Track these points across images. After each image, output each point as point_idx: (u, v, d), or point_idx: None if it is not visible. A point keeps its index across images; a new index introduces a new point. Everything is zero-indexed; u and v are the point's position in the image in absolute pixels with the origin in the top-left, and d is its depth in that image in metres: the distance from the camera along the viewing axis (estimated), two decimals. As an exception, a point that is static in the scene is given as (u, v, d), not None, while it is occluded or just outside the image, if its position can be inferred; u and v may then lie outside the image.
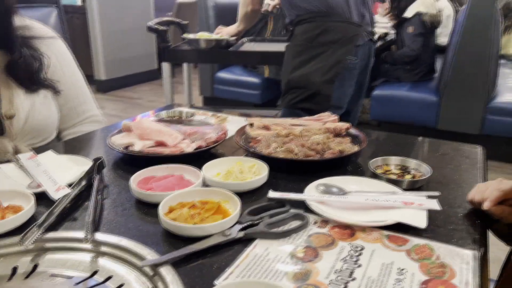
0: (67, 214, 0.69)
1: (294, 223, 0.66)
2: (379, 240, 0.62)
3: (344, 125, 1.03)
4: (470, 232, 0.66)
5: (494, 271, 0.74)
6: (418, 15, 3.08)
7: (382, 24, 4.40)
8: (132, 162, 0.90)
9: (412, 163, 0.86)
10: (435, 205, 0.69)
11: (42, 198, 0.71)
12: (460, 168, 0.91)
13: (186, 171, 0.81)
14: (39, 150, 0.91)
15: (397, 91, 3.15)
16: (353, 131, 1.02)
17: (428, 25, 3.07)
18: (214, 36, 1.85)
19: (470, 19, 2.75)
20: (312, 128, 1.01)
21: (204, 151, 0.93)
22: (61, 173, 0.79)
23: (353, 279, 0.54)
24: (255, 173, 0.82)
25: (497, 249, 0.79)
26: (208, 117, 1.25)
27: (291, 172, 0.86)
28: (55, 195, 0.70)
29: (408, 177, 0.82)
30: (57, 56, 1.13)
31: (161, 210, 0.65)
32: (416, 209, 0.68)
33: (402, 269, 0.56)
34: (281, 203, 0.71)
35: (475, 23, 2.74)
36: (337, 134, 1.01)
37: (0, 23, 0.97)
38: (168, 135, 0.94)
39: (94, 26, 4.51)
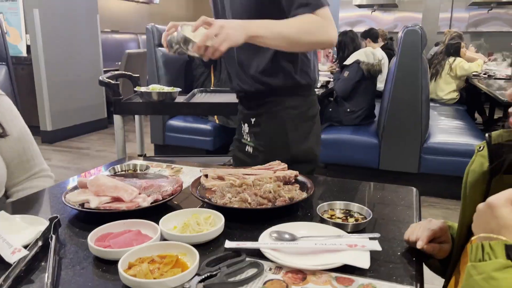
0: (24, 277, 0.69)
1: (251, 271, 0.70)
2: (328, 282, 0.68)
3: (292, 173, 1.11)
4: (407, 269, 0.74)
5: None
6: (356, 62, 3.37)
7: (323, 72, 4.71)
8: (89, 219, 0.91)
9: (355, 206, 0.94)
10: (376, 246, 0.77)
11: (-4, 262, 0.70)
12: (397, 209, 1.00)
13: (143, 225, 0.84)
14: (-11, 211, 0.89)
15: (341, 134, 3.35)
16: (301, 178, 1.10)
17: (364, 73, 3.35)
18: (166, 88, 1.91)
19: (401, 68, 3.04)
20: (264, 177, 1.07)
21: (160, 204, 0.95)
22: (15, 235, 0.78)
23: (306, 321, 0.58)
24: (211, 224, 0.86)
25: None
26: (162, 169, 1.28)
27: (246, 220, 0.91)
28: (10, 258, 0.70)
29: (351, 220, 0.90)
30: (3, 112, 1.13)
31: (121, 267, 0.67)
32: (360, 250, 0.75)
33: (350, 308, 0.61)
34: (237, 252, 0.75)
35: (405, 72, 3.03)
36: (287, 182, 1.08)
37: None
38: (123, 191, 0.96)
39: (40, 76, 4.44)
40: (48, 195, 1.10)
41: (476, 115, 5.12)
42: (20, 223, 0.85)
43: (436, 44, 5.43)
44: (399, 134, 3.14)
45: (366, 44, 5.07)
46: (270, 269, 0.71)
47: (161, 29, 3.54)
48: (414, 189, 1.13)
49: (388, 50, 5.00)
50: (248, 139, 1.39)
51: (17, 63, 4.50)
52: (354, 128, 3.40)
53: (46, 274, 0.66)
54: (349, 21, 7.67)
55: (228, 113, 2.81)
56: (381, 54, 4.81)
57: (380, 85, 4.52)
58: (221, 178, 1.10)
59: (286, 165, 1.17)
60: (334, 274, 0.70)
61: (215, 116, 3.64)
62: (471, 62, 4.50)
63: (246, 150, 1.40)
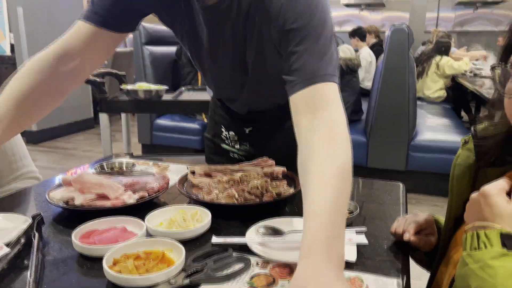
0: (5, 275, 0.67)
1: (238, 266, 0.69)
2: (315, 275, 0.68)
3: (280, 169, 1.10)
4: (394, 262, 0.74)
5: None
6: None
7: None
8: (73, 217, 0.90)
9: (342, 202, 0.94)
10: (363, 239, 0.77)
11: (-24, 261, 0.69)
12: (384, 204, 1.01)
13: (128, 222, 0.83)
14: (-30, 210, 0.87)
15: (330, 133, 3.36)
16: (288, 174, 1.10)
17: (343, 68, 3.39)
18: (153, 86, 1.90)
19: (388, 67, 3.06)
20: (251, 173, 1.07)
21: (146, 201, 0.94)
22: (-3, 233, 0.77)
23: (293, 314, 0.58)
24: (198, 220, 0.85)
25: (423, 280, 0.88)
26: (149, 167, 1.27)
27: (233, 216, 0.90)
28: (-9, 256, 0.68)
29: (339, 215, 0.90)
30: None
31: (106, 263, 0.66)
32: (346, 244, 0.75)
33: (337, 301, 0.61)
34: (224, 247, 0.75)
35: (392, 70, 3.05)
36: (274, 177, 1.08)
37: None
38: (109, 188, 0.95)
39: (25, 75, 4.36)
40: (32, 193, 1.08)
41: (463, 113, 5.18)
42: (2, 221, 0.83)
43: (423, 43, 5.49)
44: (387, 132, 3.16)
45: (355, 43, 5.11)
46: (257, 264, 0.71)
47: (148, 28, 3.51)
48: (401, 184, 1.14)
49: (381, 47, 5.04)
50: (237, 147, 1.26)
51: (1, 62, 4.43)
52: (342, 127, 3.41)
53: (29, 272, 0.65)
54: (337, 21, 7.70)
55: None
56: (368, 54, 4.86)
57: (367, 84, 4.56)
58: (208, 174, 1.09)
59: (273, 161, 1.16)
60: (321, 268, 0.70)
61: (203, 115, 3.62)
62: (457, 61, 4.56)
63: (232, 156, 1.28)
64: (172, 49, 3.84)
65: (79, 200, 0.90)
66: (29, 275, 0.64)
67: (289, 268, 0.70)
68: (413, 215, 0.81)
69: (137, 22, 0.99)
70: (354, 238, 0.77)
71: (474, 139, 0.71)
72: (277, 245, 0.76)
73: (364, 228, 0.81)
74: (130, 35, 6.37)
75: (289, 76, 0.80)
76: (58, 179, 1.17)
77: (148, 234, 0.80)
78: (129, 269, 0.66)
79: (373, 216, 0.93)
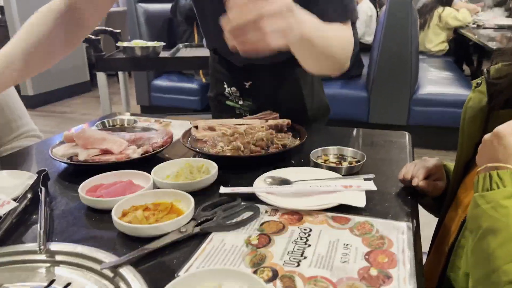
0: (15, 229, 0.67)
1: (247, 214, 0.69)
2: (325, 221, 0.68)
3: (284, 121, 1.09)
4: (403, 207, 0.74)
5: (426, 246, 0.82)
6: None
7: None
8: (77, 173, 0.89)
9: (348, 151, 0.93)
10: (371, 185, 0.76)
11: (-15, 216, 0.68)
12: (390, 153, 1.00)
13: (135, 176, 0.82)
14: (-26, 168, 0.87)
15: (330, 88, 3.31)
16: (294, 126, 1.08)
17: None
18: (149, 43, 1.85)
19: (390, 19, 2.98)
20: (256, 126, 1.05)
21: (151, 156, 0.93)
22: (2, 189, 0.76)
23: (305, 258, 0.58)
24: (205, 172, 0.84)
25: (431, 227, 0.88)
26: (150, 124, 1.25)
27: (239, 169, 0.90)
28: (0, 210, 0.68)
29: (345, 164, 0.89)
30: None
31: (115, 214, 0.66)
32: (355, 191, 0.75)
33: (347, 244, 0.62)
34: (232, 197, 0.74)
35: (395, 22, 2.97)
36: (279, 130, 1.06)
37: None
38: (112, 143, 0.94)
39: (16, 38, 4.25)
40: (34, 151, 1.07)
41: (464, 67, 5.10)
42: (7, 178, 0.83)
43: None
44: (389, 86, 3.12)
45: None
46: (266, 212, 0.71)
47: (141, -16, 3.38)
48: (407, 133, 1.12)
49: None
50: (241, 103, 1.24)
51: (-9, 25, 4.31)
52: (343, 82, 3.36)
53: (38, 225, 0.65)
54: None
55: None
56: (369, 7, 4.71)
57: (368, 38, 4.46)
58: (212, 128, 1.08)
59: (277, 114, 1.15)
60: (330, 214, 0.70)
61: (201, 74, 3.56)
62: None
63: (238, 112, 1.26)
64: (167, 6, 3.71)
65: (83, 155, 0.89)
66: (39, 227, 0.64)
67: (298, 215, 0.69)
68: (422, 160, 0.81)
69: None
70: (363, 185, 0.76)
71: (487, 80, 0.69)
72: (286, 193, 0.76)
73: (372, 175, 0.81)
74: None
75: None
76: (59, 138, 1.16)
77: (155, 187, 0.79)
78: (139, 219, 0.66)
79: (380, 164, 0.92)
